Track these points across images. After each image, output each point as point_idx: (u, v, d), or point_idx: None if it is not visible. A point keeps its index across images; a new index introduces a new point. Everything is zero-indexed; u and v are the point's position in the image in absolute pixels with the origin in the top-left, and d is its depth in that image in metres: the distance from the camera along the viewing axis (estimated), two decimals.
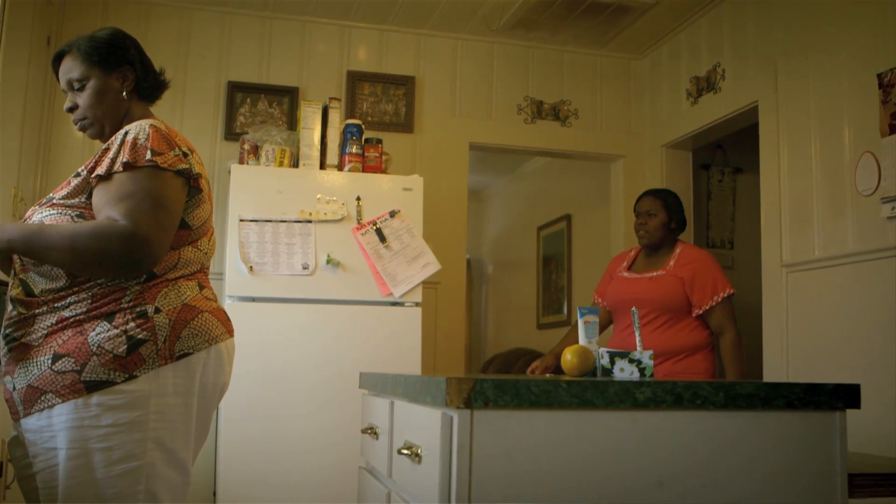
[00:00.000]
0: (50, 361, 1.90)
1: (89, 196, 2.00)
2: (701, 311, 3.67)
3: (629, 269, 3.95)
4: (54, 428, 1.88)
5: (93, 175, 1.98)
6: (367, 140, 4.25)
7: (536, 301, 7.62)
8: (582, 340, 2.27)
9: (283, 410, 3.82)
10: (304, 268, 3.92)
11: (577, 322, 3.81)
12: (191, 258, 2.09)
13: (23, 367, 1.92)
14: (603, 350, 2.11)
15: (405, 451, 1.68)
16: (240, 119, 4.82)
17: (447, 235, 4.92)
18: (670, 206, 3.86)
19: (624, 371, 2.08)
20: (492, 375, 1.74)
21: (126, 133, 2.02)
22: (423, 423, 1.64)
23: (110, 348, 1.90)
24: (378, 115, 5.02)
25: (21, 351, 1.94)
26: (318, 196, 4.01)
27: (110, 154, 1.99)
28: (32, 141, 4.42)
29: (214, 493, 3.86)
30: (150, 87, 2.32)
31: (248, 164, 4.13)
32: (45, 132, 4.61)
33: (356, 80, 5.01)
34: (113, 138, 2.04)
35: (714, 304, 3.65)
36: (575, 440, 1.51)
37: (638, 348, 2.19)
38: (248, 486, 3.76)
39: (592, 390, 1.51)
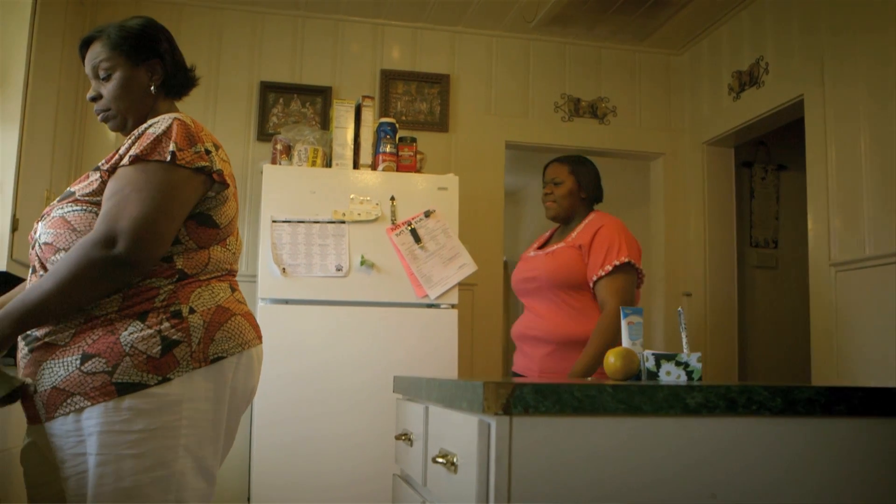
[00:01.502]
0: (79, 362, 1.81)
1: None
2: (592, 284, 3.15)
3: (540, 248, 3.49)
4: (83, 432, 1.81)
5: (104, 169, 1.92)
6: (401, 139, 4.17)
7: None
8: (625, 342, 2.17)
9: (316, 414, 3.75)
10: (338, 269, 3.85)
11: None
12: (220, 258, 2.02)
13: (47, 368, 1.84)
14: (648, 353, 2.01)
15: (440, 460, 1.60)
16: (272, 119, 4.77)
17: (483, 236, 4.83)
18: (578, 173, 3.44)
19: (670, 374, 1.98)
20: (532, 379, 1.64)
21: (148, 126, 1.95)
22: (459, 430, 1.55)
23: (144, 349, 1.82)
24: (412, 114, 4.94)
25: (45, 351, 1.85)
26: (352, 196, 3.94)
27: (122, 149, 1.93)
28: (65, 142, 4.39)
29: (249, 498, 3.80)
30: (179, 83, 2.24)
31: (280, 164, 4.07)
32: (77, 134, 4.59)
33: (390, 78, 4.94)
34: (135, 132, 1.97)
35: (602, 274, 3.11)
36: (621, 449, 1.42)
37: (684, 350, 2.08)
38: (282, 489, 3.70)
39: (640, 395, 1.42)
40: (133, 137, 1.94)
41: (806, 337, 4.08)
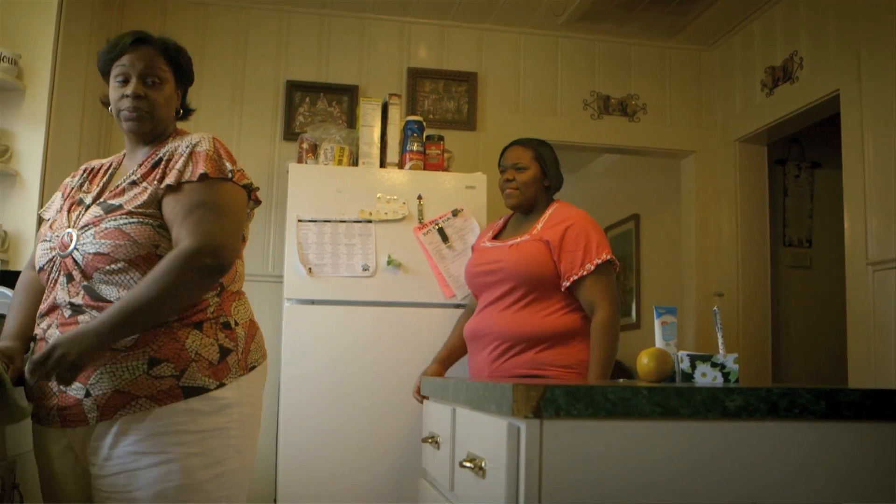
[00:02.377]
0: (146, 366, 1.92)
1: (159, 206, 2.01)
2: (569, 284, 2.96)
3: (495, 238, 3.27)
4: (141, 432, 1.91)
5: (163, 185, 2.00)
6: (428, 137, 4.12)
7: None
8: (659, 343, 2.10)
9: (342, 415, 3.71)
10: (365, 269, 3.80)
11: (459, 323, 3.44)
12: (241, 271, 2.18)
13: (108, 372, 1.92)
14: (682, 353, 1.94)
15: (468, 464, 1.54)
16: (299, 119, 4.73)
17: None
18: (543, 159, 3.20)
19: (706, 376, 1.91)
20: (563, 381, 1.58)
21: (195, 145, 2.06)
22: (488, 434, 1.50)
23: (207, 356, 1.97)
24: (440, 112, 4.89)
25: (107, 357, 1.93)
26: (378, 195, 3.89)
27: (178, 164, 2.02)
28: (91, 142, 4.39)
29: (275, 499, 3.77)
30: (183, 113, 2.34)
31: (306, 163, 4.04)
32: (104, 136, 4.58)
33: (417, 77, 4.89)
34: (171, 149, 2.08)
35: (584, 273, 2.93)
36: (656, 453, 1.36)
37: (720, 351, 2.02)
38: (308, 490, 3.66)
39: (677, 398, 1.35)
40: (181, 155, 2.04)
41: (841, 338, 3.99)
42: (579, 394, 1.33)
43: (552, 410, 1.33)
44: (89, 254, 1.96)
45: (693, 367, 1.92)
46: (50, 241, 2.07)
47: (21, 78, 3.63)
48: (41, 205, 3.61)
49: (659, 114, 5.15)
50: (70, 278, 1.98)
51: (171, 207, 1.98)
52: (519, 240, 3.07)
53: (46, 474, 2.08)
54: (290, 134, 4.69)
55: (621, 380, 2.43)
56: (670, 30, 4.99)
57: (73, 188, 2.23)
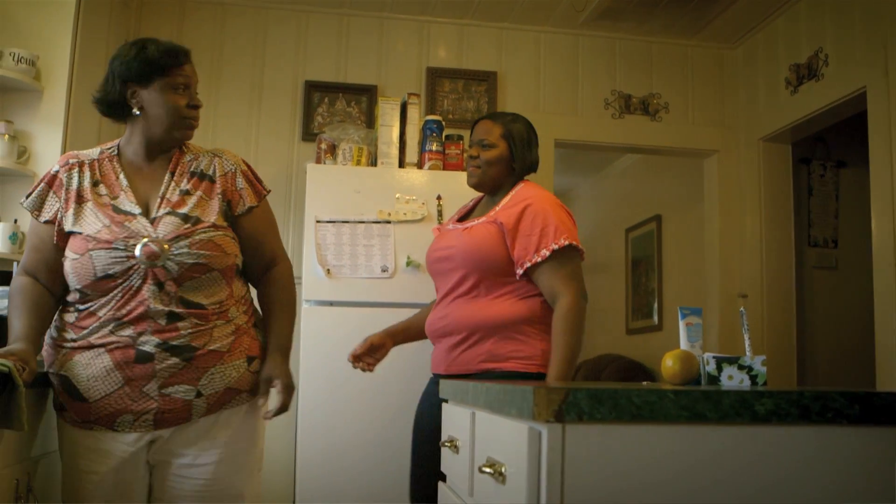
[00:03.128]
0: (246, 363, 2.17)
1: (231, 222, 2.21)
2: (522, 272, 2.65)
3: (461, 220, 2.96)
4: (238, 421, 2.18)
5: (245, 206, 2.23)
6: (447, 137, 4.08)
7: (625, 305, 7.37)
8: (684, 344, 2.05)
9: (361, 416, 3.67)
10: (384, 270, 3.76)
11: (428, 307, 3.14)
12: None
13: (218, 373, 2.10)
14: (708, 355, 1.89)
15: (487, 469, 1.50)
16: (317, 119, 4.70)
17: None
18: (512, 136, 2.83)
19: (733, 379, 1.86)
20: (586, 384, 1.54)
21: (238, 165, 2.28)
22: (508, 438, 1.45)
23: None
24: (459, 112, 4.85)
25: (209, 358, 2.09)
26: (397, 195, 3.85)
27: (240, 185, 2.24)
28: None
29: (294, 499, 3.75)
30: None
31: (324, 163, 4.01)
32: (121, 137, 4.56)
33: (436, 76, 4.85)
34: (203, 163, 2.24)
35: (538, 260, 2.61)
36: (683, 459, 1.31)
37: (747, 353, 1.96)
38: (327, 492, 3.63)
39: (704, 401, 1.30)
40: (242, 178, 2.26)
41: (868, 340, 3.91)
42: (603, 397, 1.28)
43: (575, 414, 1.28)
44: (187, 263, 2.06)
45: (719, 369, 1.87)
46: (124, 248, 2.05)
47: (39, 79, 3.62)
48: None
49: (681, 113, 5.09)
50: (161, 287, 2.05)
51: (252, 224, 2.24)
52: (474, 223, 2.77)
53: (88, 477, 2.09)
54: (309, 134, 4.66)
55: (645, 382, 2.38)
56: (692, 27, 4.92)
57: (78, 187, 2.16)
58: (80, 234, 2.08)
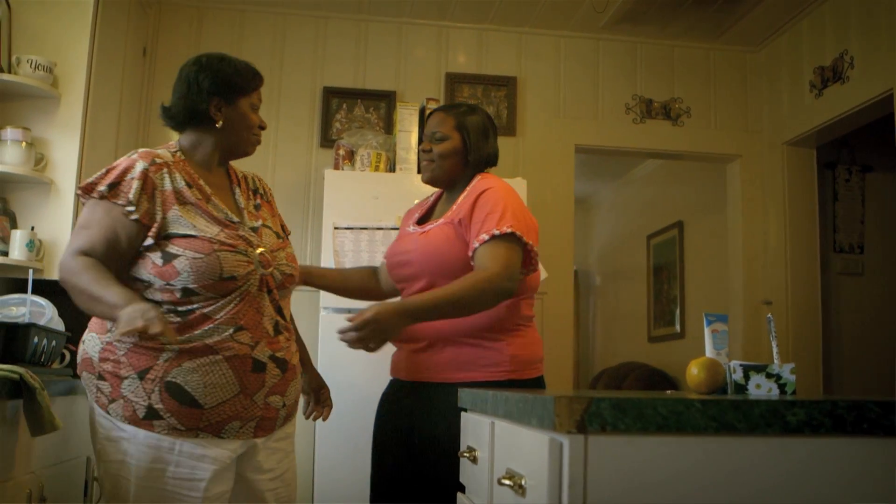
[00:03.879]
0: (300, 374, 2.33)
1: None
2: (472, 262, 2.43)
3: (421, 221, 2.72)
4: (291, 434, 2.30)
5: (287, 232, 2.43)
6: None
7: (647, 313, 7.30)
8: (709, 352, 1.99)
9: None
10: None
11: (364, 269, 2.98)
12: None
13: (294, 385, 2.23)
14: (735, 363, 1.83)
15: (507, 482, 1.45)
16: (336, 125, 4.67)
17: (553, 243, 4.66)
18: (466, 128, 2.59)
19: (761, 387, 1.80)
20: (609, 393, 1.48)
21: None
22: (528, 449, 1.40)
23: None
24: None
25: (293, 371, 2.23)
26: (416, 201, 3.80)
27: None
28: (128, 150, 4.35)
29: (312, 499, 3.75)
30: None
31: (342, 169, 3.97)
32: (141, 145, 4.55)
33: (455, 82, 4.81)
34: (250, 181, 2.42)
35: (476, 245, 2.39)
36: (711, 472, 1.25)
37: (775, 360, 1.90)
38: (346, 492, 3.60)
39: (733, 411, 1.25)
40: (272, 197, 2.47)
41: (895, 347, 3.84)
42: (627, 407, 1.23)
43: (597, 425, 1.23)
44: (285, 274, 2.22)
45: (746, 378, 1.81)
46: (245, 254, 2.11)
47: (56, 86, 3.60)
48: (76, 214, 3.58)
49: (703, 117, 5.02)
50: (271, 295, 2.16)
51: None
52: (433, 225, 2.56)
53: (180, 483, 2.03)
54: (327, 140, 4.63)
55: (669, 391, 2.32)
56: (715, 31, 4.86)
57: (174, 188, 2.13)
58: (197, 236, 2.07)
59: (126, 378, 2.01)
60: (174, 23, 4.69)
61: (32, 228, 3.49)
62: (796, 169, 4.81)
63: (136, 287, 2.06)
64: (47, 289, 3.44)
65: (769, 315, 1.95)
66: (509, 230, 2.34)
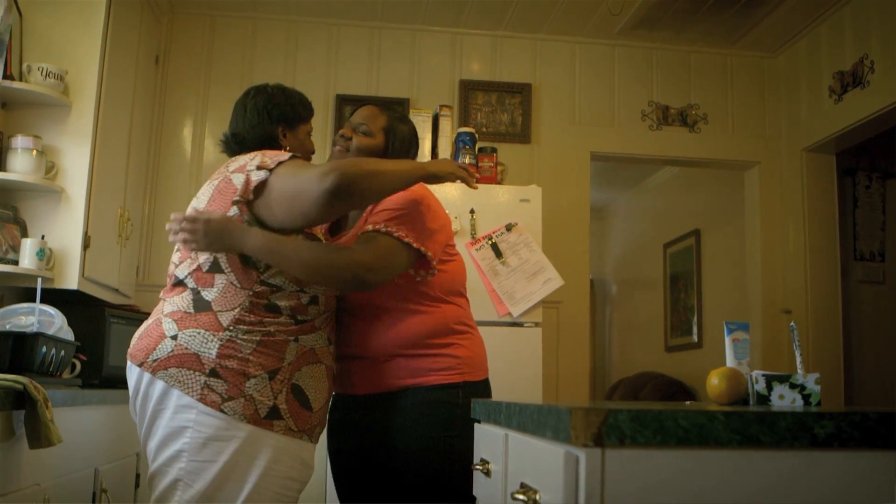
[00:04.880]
0: None
1: None
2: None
3: (332, 231, 2.49)
4: None
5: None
6: (480, 149, 4.00)
7: (664, 322, 7.22)
8: (730, 362, 1.93)
9: None
10: None
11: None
12: None
13: None
14: (757, 373, 1.77)
15: (520, 497, 1.39)
16: None
17: (569, 250, 4.61)
18: (395, 133, 2.41)
19: (784, 398, 1.74)
20: (627, 404, 1.43)
21: None
22: (543, 463, 1.34)
23: None
24: (493, 125, 4.76)
25: None
26: None
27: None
28: (140, 160, 4.33)
29: (325, 499, 3.74)
30: None
31: None
32: (153, 153, 4.53)
33: (469, 89, 4.77)
34: None
35: (362, 232, 2.21)
36: (735, 487, 1.19)
37: (798, 370, 1.84)
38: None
39: (758, 424, 1.19)
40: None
41: None
42: (647, 419, 1.18)
43: (615, 438, 1.18)
44: None
45: (769, 388, 1.75)
46: None
47: (67, 94, 3.57)
48: (86, 222, 3.55)
49: (721, 124, 4.96)
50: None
51: None
52: (345, 237, 2.39)
53: (286, 483, 2.09)
54: None
55: (688, 402, 2.26)
56: (731, 36, 4.80)
57: None
58: None
59: (254, 377, 2.03)
60: (187, 31, 4.67)
61: (43, 237, 3.46)
62: (815, 175, 4.74)
63: (264, 290, 2.08)
64: (57, 298, 3.43)
65: (792, 323, 1.89)
66: (397, 234, 2.17)
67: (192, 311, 2.07)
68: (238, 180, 2.08)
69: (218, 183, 2.14)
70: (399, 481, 2.29)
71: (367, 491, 2.40)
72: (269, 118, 2.30)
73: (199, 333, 2.04)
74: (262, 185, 2.06)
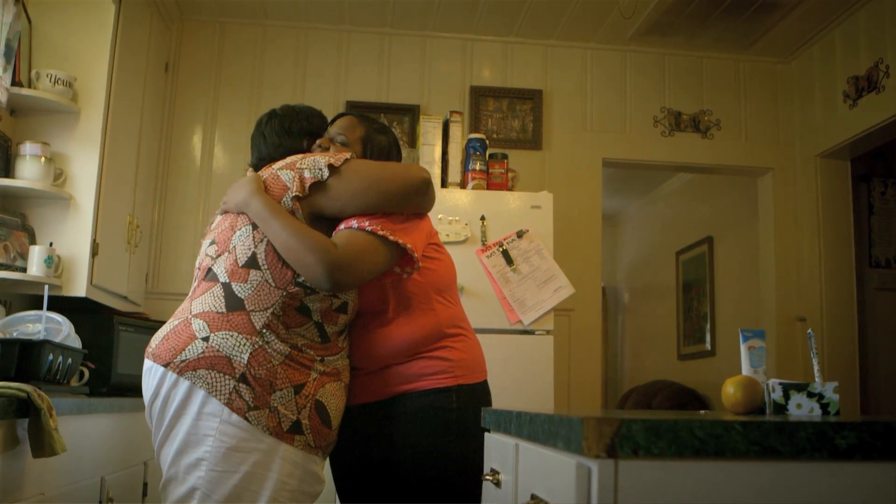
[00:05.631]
0: None
1: None
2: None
3: None
4: None
5: None
6: (491, 156, 3.96)
7: (677, 330, 7.17)
8: (746, 370, 1.89)
9: None
10: None
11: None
12: None
13: None
14: (774, 381, 1.73)
15: None
16: None
17: (581, 257, 4.57)
18: (372, 144, 2.37)
19: (802, 407, 1.69)
20: (641, 413, 1.39)
21: None
22: (554, 474, 1.31)
23: None
24: (504, 131, 4.73)
25: None
26: (440, 216, 3.73)
27: None
28: (149, 167, 4.32)
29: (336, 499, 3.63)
30: None
31: None
32: (163, 160, 4.52)
33: (480, 95, 4.74)
34: None
35: (343, 227, 2.13)
36: (753, 500, 1.15)
37: (816, 378, 1.80)
38: None
39: (777, 434, 1.15)
40: None
41: None
42: (661, 429, 1.14)
43: (629, 449, 1.14)
44: None
45: (787, 397, 1.71)
46: None
47: (76, 101, 3.56)
48: (95, 229, 3.53)
49: (734, 130, 4.92)
50: None
51: None
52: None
53: (298, 496, 2.08)
54: None
55: (703, 411, 2.22)
56: (744, 41, 4.76)
57: None
58: None
59: (281, 390, 2.00)
60: (197, 38, 4.66)
61: (51, 244, 3.44)
62: (830, 182, 4.70)
63: (298, 292, 2.05)
64: (66, 305, 3.41)
65: (810, 331, 1.85)
66: (381, 232, 2.10)
67: (223, 310, 2.01)
68: (287, 176, 2.10)
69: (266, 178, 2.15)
70: (399, 489, 2.25)
71: (369, 500, 2.36)
72: (289, 135, 2.36)
73: (231, 336, 1.99)
74: (320, 182, 2.10)
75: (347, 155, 2.16)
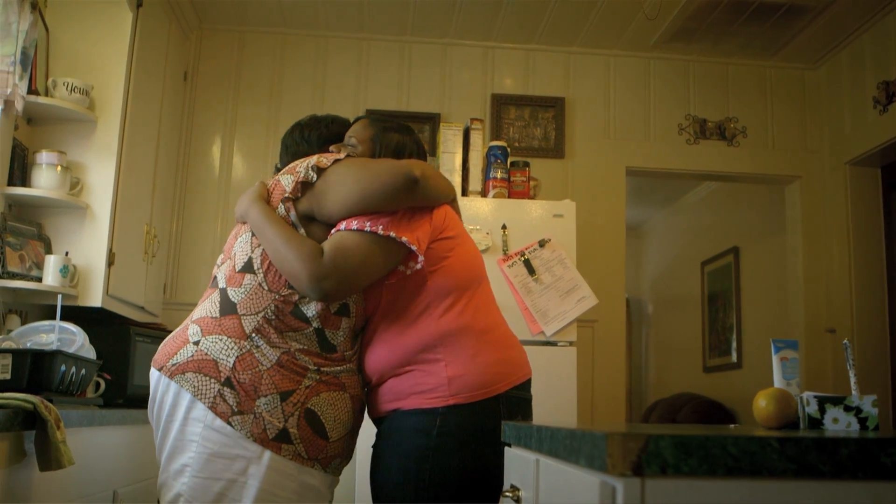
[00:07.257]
0: None
1: None
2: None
3: None
4: None
5: None
6: (512, 164, 3.89)
7: (702, 342, 7.06)
8: (778, 382, 1.80)
9: None
10: None
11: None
12: None
13: None
14: (808, 395, 1.64)
15: None
16: None
17: (604, 267, 4.49)
18: (381, 142, 2.27)
19: (838, 422, 1.61)
20: (669, 428, 1.31)
21: None
22: (577, 493, 1.23)
23: None
24: (526, 140, 4.66)
25: None
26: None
27: None
28: (168, 178, 4.28)
29: (354, 499, 3.61)
30: None
31: None
32: (181, 169, 4.48)
33: (501, 103, 4.68)
34: None
35: (335, 231, 2.03)
36: None
37: (853, 391, 1.71)
38: None
39: (817, 451, 1.07)
40: None
41: None
42: (692, 446, 1.06)
43: (657, 467, 1.06)
44: None
45: (822, 411, 1.62)
46: None
47: (93, 109, 3.54)
48: (111, 239, 3.50)
49: (760, 137, 4.82)
50: None
51: None
52: None
53: None
54: None
55: (732, 426, 2.13)
56: (770, 47, 4.67)
57: None
58: None
59: (265, 396, 1.93)
60: (215, 47, 4.63)
61: (67, 254, 3.40)
62: (860, 189, 4.59)
63: (289, 294, 2.01)
64: (81, 315, 3.37)
65: (846, 341, 1.77)
66: (383, 232, 2.00)
67: (217, 315, 1.99)
68: (287, 181, 2.07)
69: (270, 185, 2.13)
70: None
71: None
72: (307, 143, 2.35)
73: (220, 339, 1.95)
74: (309, 184, 2.05)
75: (341, 155, 2.10)
